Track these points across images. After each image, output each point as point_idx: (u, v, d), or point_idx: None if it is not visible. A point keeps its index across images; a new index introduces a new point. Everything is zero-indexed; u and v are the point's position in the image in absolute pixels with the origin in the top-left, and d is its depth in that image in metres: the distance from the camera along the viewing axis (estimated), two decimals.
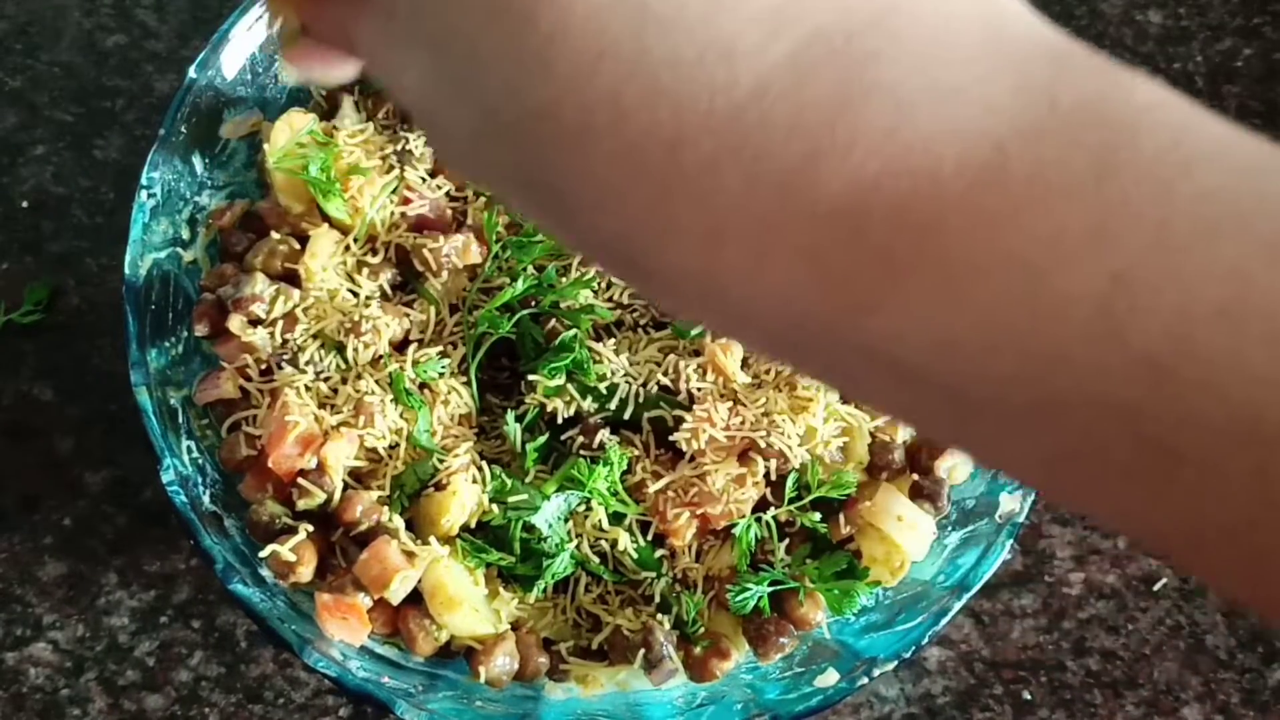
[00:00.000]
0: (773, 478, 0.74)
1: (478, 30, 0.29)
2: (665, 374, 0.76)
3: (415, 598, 0.73)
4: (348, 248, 0.79)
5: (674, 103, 0.27)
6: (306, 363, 0.76)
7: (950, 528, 0.77)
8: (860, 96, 0.27)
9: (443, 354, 0.77)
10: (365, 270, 0.78)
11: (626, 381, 0.76)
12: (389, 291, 0.79)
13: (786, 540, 0.75)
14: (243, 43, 0.81)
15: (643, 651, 0.72)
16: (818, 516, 0.75)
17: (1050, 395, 0.26)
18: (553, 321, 0.77)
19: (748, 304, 0.29)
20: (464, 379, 0.77)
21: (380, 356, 0.76)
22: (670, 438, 0.75)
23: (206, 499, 0.74)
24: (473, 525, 0.74)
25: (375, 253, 0.79)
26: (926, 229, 0.27)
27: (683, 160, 0.28)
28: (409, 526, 0.73)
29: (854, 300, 0.28)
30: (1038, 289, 0.26)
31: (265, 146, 0.80)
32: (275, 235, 0.79)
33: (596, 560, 0.75)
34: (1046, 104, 0.27)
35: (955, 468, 0.78)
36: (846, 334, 0.28)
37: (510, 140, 0.30)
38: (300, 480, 0.73)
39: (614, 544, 0.74)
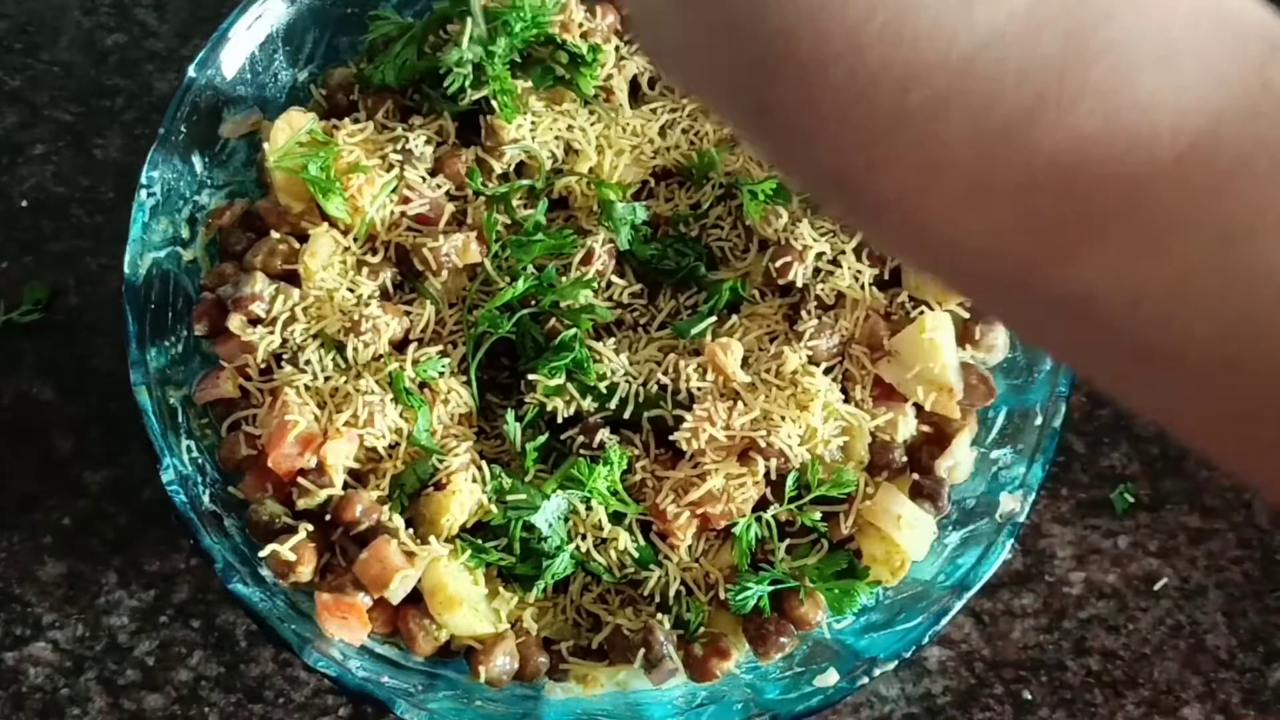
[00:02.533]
0: (773, 477, 0.74)
1: None
2: (665, 374, 0.76)
3: (415, 597, 0.73)
4: (347, 247, 0.79)
5: (913, 42, 0.29)
6: (306, 362, 0.75)
7: (950, 527, 0.77)
8: (1090, 54, 0.28)
9: (443, 353, 0.77)
10: (365, 269, 0.78)
11: (626, 381, 0.76)
12: (389, 290, 0.79)
13: (786, 540, 0.75)
14: (242, 42, 0.81)
15: (643, 651, 0.72)
16: (818, 515, 0.75)
17: (1231, 356, 0.28)
18: (553, 321, 0.77)
19: (948, 243, 0.31)
20: (464, 378, 0.77)
21: (380, 356, 0.76)
22: (670, 437, 0.75)
23: (206, 498, 0.74)
24: (472, 525, 0.74)
25: (375, 252, 0.79)
26: (1134, 189, 0.28)
27: (911, 97, 0.29)
28: (409, 526, 0.73)
29: (1054, 248, 0.29)
30: (1232, 258, 0.27)
31: (265, 146, 0.80)
32: (275, 234, 0.79)
33: (597, 560, 0.75)
34: (1259, 83, 0.28)
35: (955, 467, 0.78)
36: (1041, 280, 0.30)
37: (743, 60, 0.31)
38: (300, 480, 0.73)
39: (614, 543, 0.74)
